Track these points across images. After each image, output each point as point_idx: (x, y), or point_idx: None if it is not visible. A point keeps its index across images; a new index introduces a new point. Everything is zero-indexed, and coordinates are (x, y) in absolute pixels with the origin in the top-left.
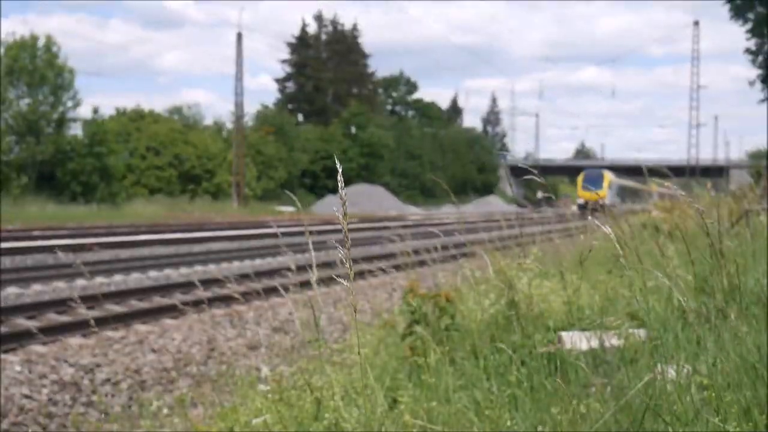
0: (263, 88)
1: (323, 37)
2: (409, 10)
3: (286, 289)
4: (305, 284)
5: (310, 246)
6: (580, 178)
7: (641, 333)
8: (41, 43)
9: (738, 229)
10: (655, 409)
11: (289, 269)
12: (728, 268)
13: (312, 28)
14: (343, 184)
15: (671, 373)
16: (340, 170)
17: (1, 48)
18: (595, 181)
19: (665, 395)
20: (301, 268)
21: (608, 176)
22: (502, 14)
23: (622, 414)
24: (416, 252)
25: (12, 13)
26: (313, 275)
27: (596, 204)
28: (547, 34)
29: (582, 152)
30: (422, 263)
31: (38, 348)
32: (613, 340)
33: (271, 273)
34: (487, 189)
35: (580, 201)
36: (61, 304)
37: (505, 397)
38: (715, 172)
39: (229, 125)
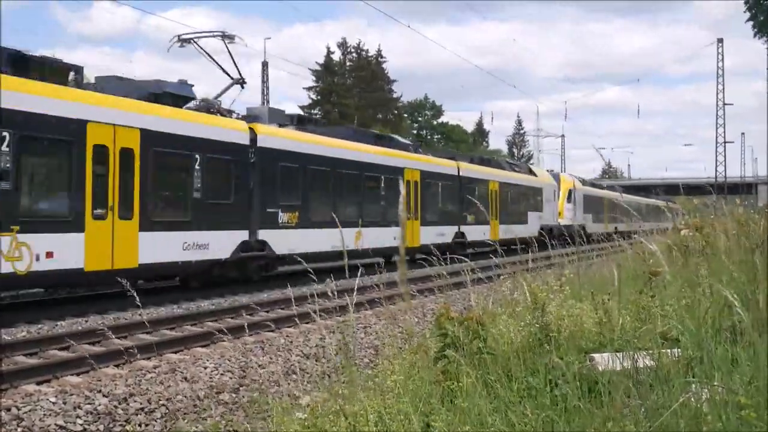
0: None
1: (347, 63)
2: (427, 34)
3: (318, 315)
4: (334, 310)
5: (347, 273)
6: None
7: (674, 353)
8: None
9: None
10: (691, 430)
11: (316, 295)
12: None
13: (336, 55)
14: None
15: (706, 393)
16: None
17: None
18: None
19: (701, 416)
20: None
21: None
22: (521, 36)
23: None
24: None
25: (41, 48)
26: (354, 300)
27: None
28: (568, 55)
29: (608, 172)
30: (452, 285)
31: (72, 379)
32: (647, 361)
33: (301, 299)
34: None
35: None
36: (94, 335)
37: (539, 420)
38: (743, 189)
39: None
